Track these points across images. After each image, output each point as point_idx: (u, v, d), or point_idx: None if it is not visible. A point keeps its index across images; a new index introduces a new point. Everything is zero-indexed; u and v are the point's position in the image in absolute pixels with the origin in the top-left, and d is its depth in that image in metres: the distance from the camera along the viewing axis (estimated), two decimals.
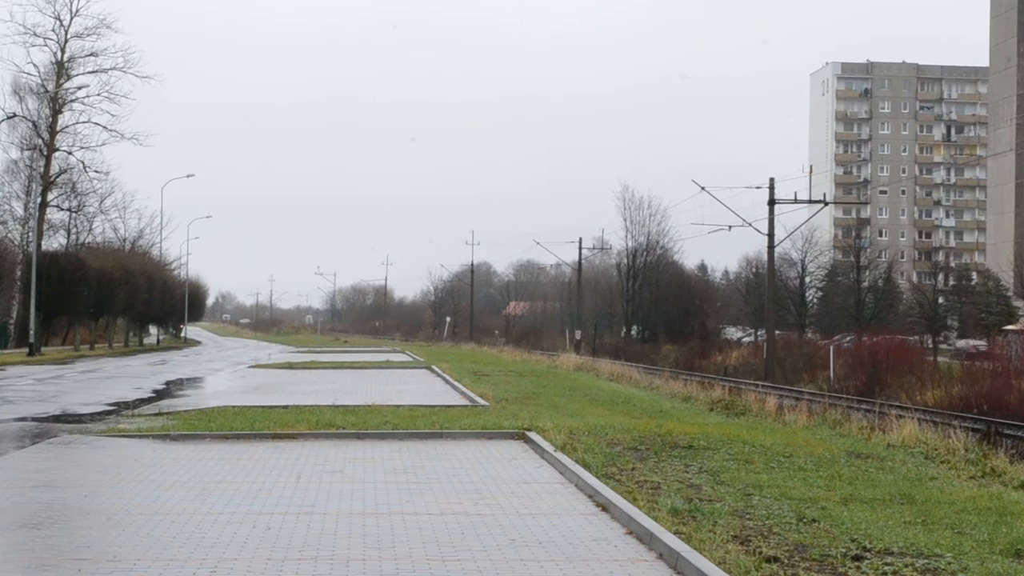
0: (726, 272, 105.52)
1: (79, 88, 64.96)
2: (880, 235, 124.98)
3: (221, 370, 42.85)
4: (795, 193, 54.86)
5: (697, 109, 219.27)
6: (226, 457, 14.69)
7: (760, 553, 8.56)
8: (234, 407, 21.81)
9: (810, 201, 48.98)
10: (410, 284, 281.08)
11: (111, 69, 65.09)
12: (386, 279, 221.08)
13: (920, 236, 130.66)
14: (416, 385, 31.61)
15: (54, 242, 67.12)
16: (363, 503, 11.25)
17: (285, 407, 21.48)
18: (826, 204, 50.89)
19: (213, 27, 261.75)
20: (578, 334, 78.15)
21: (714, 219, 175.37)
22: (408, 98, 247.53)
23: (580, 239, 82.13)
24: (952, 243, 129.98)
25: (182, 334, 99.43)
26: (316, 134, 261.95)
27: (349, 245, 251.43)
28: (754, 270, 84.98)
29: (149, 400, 25.94)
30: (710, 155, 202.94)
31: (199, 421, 18.82)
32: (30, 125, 64.23)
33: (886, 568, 8.21)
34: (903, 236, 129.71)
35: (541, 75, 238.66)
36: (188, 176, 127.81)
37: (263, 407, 21.65)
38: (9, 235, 63.58)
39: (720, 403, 25.88)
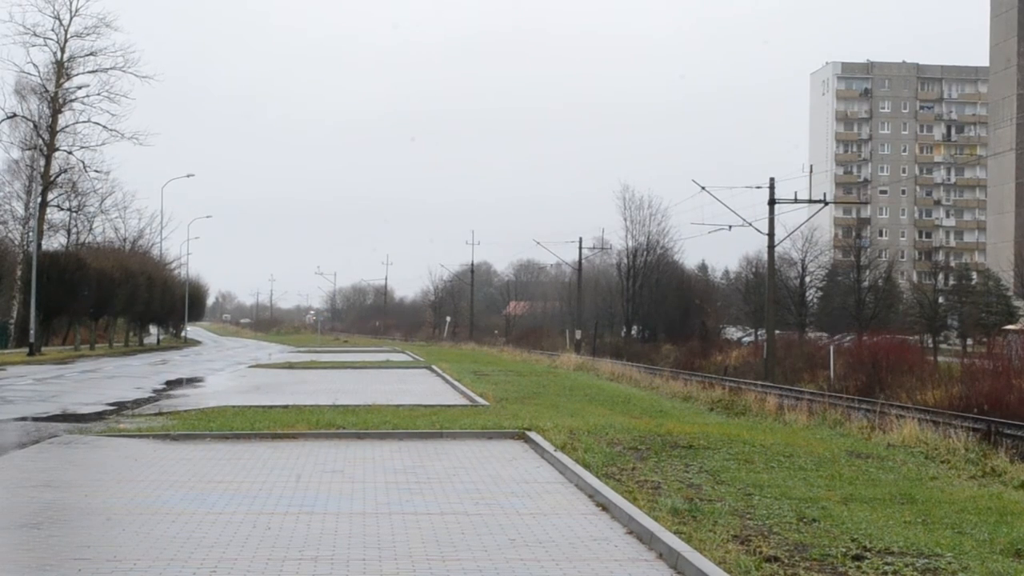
0: (726, 272, 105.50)
1: (79, 88, 65.04)
2: (880, 235, 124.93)
3: (221, 370, 42.85)
4: (795, 193, 54.81)
5: (697, 109, 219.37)
6: (226, 457, 14.69)
7: (760, 553, 8.56)
8: (234, 407, 21.81)
9: (810, 201, 48.97)
10: (410, 284, 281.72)
11: (111, 69, 65.20)
12: (386, 279, 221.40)
13: (920, 236, 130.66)
14: (416, 385, 31.61)
15: (54, 242, 67.20)
16: (363, 503, 11.25)
17: (285, 407, 21.48)
18: (826, 204, 50.87)
19: (212, 26, 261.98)
20: (578, 334, 78.14)
21: (714, 219, 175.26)
22: (408, 103, 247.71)
23: (580, 239, 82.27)
24: (952, 243, 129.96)
25: (182, 334, 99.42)
26: (317, 134, 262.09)
27: (349, 245, 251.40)
28: (754, 270, 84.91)
29: (149, 400, 25.94)
30: (710, 155, 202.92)
31: (199, 421, 18.81)
32: (30, 125, 64.29)
33: (886, 568, 8.21)
34: (903, 236, 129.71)
35: (540, 79, 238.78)
36: (188, 176, 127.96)
37: (263, 407, 21.65)
38: (9, 235, 63.65)
39: (720, 403, 25.87)
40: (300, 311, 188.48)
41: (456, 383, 30.24)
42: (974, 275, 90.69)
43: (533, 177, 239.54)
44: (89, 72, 65.65)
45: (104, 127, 65.14)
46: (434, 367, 39.91)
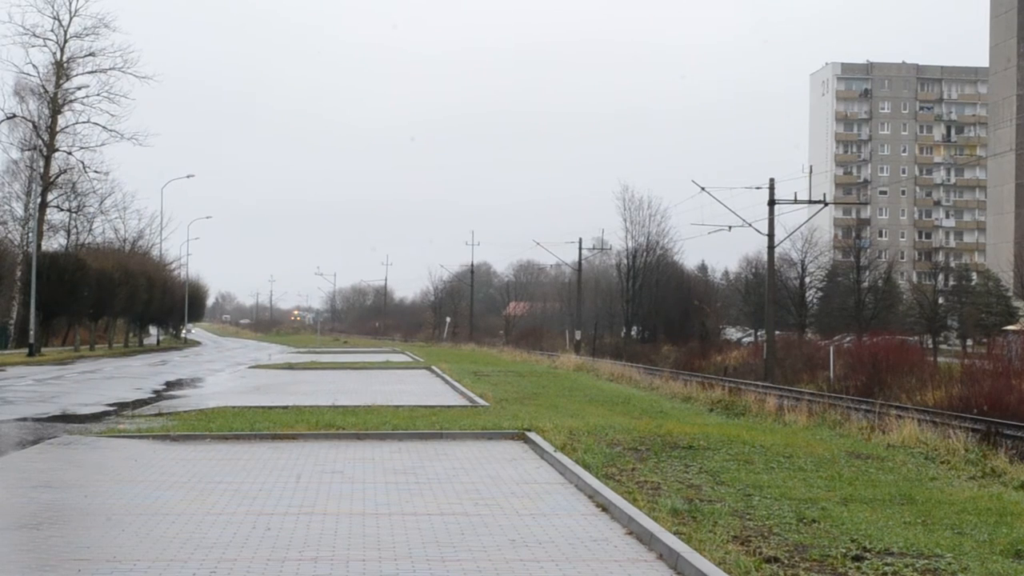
0: (726, 272, 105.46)
1: (79, 88, 65.08)
2: (880, 235, 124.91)
3: (221, 370, 42.85)
4: (795, 193, 54.82)
5: (697, 110, 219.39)
6: (226, 457, 14.70)
7: (760, 553, 8.56)
8: (234, 408, 21.80)
9: (810, 201, 48.98)
10: (410, 284, 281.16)
11: (110, 69, 65.23)
12: (386, 279, 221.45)
13: (920, 236, 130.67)
14: (416, 385, 31.60)
15: (54, 242, 67.22)
16: (363, 503, 11.25)
17: (285, 408, 21.47)
18: (826, 204, 50.88)
19: (212, 26, 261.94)
20: (578, 334, 78.13)
21: (714, 219, 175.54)
22: (408, 103, 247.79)
23: (580, 239, 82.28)
24: (952, 243, 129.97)
25: (182, 334, 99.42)
26: (316, 134, 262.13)
27: (349, 245, 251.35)
28: (754, 270, 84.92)
29: (149, 401, 25.92)
30: (710, 155, 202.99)
31: (199, 422, 18.81)
32: (30, 125, 64.28)
33: (886, 568, 8.21)
34: (903, 236, 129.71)
35: (540, 81, 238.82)
36: (188, 176, 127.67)
37: (263, 408, 21.64)
38: (9, 235, 63.63)
39: (720, 403, 25.85)
40: (300, 311, 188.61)
41: (456, 384, 30.23)
42: (974, 276, 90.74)
43: (533, 178, 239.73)
44: (88, 73, 65.76)
45: (104, 127, 65.26)
46: (434, 368, 39.90)
